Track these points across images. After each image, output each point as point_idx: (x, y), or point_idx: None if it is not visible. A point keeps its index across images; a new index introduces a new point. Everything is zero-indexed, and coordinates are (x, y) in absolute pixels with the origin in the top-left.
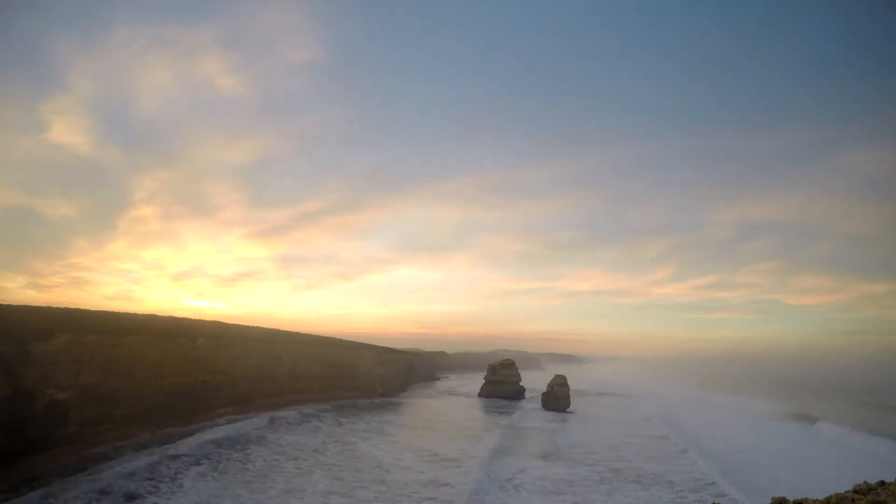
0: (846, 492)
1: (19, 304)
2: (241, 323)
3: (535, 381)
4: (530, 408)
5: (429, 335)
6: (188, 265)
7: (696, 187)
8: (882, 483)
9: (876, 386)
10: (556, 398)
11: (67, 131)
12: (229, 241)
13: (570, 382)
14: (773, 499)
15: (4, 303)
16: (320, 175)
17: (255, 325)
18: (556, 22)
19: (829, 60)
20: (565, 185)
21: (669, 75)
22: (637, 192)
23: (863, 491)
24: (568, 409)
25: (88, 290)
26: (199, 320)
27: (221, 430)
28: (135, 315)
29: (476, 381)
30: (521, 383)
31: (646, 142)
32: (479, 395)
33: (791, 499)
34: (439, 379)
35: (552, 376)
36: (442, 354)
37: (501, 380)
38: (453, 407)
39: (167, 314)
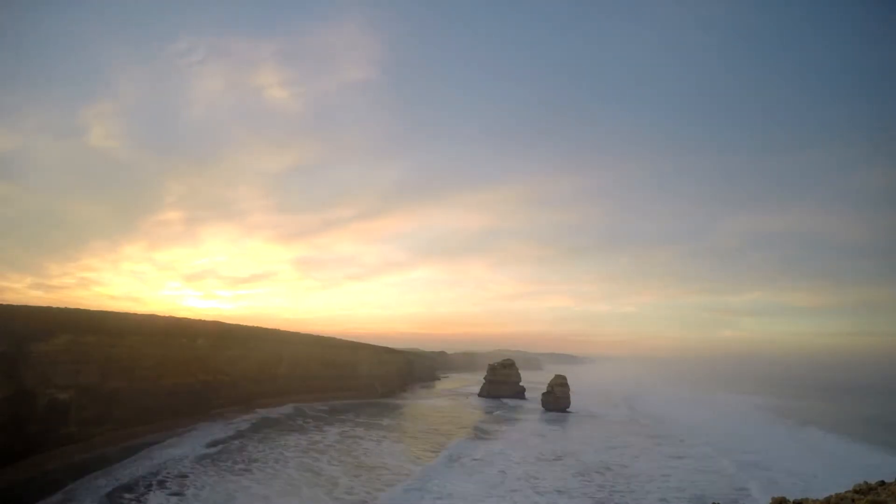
0: (846, 492)
1: (20, 304)
2: (252, 324)
3: (535, 381)
4: (530, 408)
5: (430, 335)
6: (202, 267)
7: (705, 200)
8: (882, 483)
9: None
10: (557, 398)
11: (105, 135)
12: (248, 243)
13: (570, 383)
14: (773, 499)
15: (5, 302)
16: (356, 183)
17: (266, 325)
18: (586, 40)
19: (836, 86)
20: (583, 196)
21: (685, 96)
22: (649, 203)
23: (863, 491)
24: (568, 409)
25: (96, 290)
26: (199, 320)
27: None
28: (135, 315)
29: (476, 382)
30: (521, 383)
31: (658, 157)
32: (479, 395)
33: (791, 499)
34: (439, 379)
35: (552, 376)
36: (442, 354)
37: (501, 380)
38: (452, 407)
39: (170, 315)
